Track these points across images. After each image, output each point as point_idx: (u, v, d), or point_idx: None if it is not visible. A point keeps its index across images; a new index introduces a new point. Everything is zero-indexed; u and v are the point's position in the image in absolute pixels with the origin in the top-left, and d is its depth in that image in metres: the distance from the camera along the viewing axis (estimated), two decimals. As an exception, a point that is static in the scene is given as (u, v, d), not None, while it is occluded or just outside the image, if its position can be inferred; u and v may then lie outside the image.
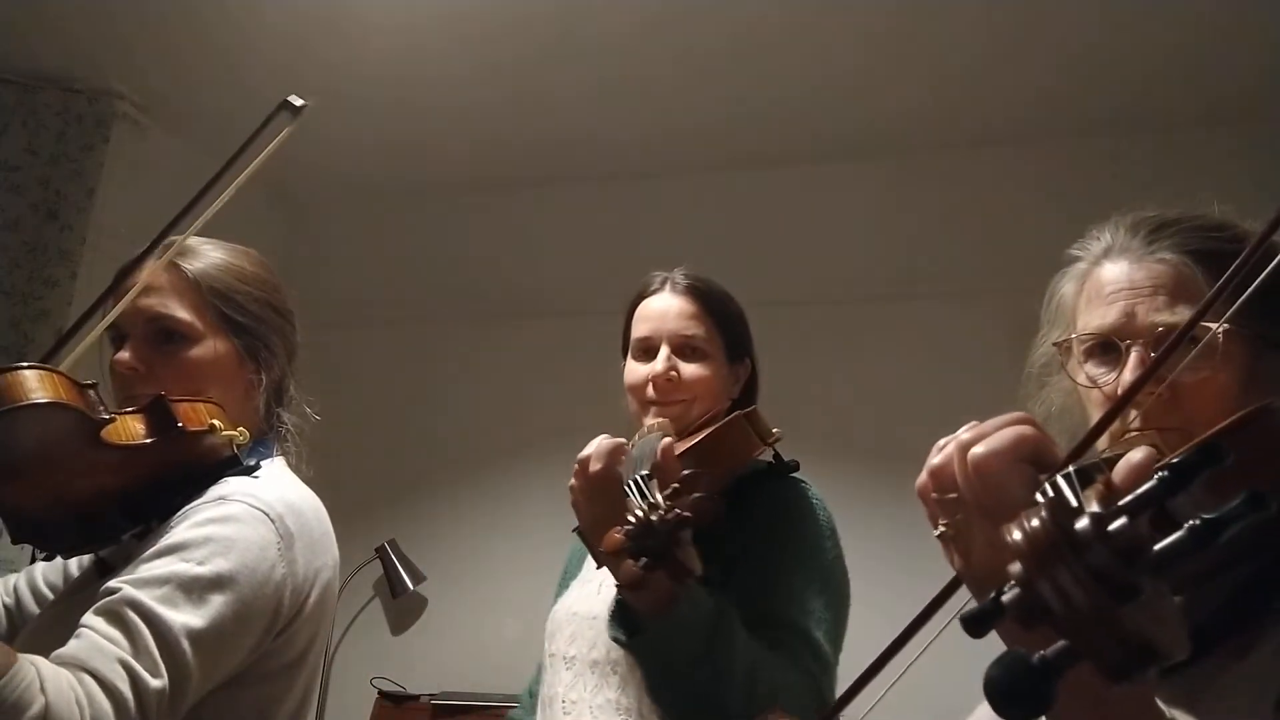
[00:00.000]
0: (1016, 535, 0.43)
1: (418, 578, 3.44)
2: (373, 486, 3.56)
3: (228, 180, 1.15)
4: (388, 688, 3.29)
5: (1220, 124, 3.02)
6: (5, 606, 1.28)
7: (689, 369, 1.40)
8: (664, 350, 1.40)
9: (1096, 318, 0.82)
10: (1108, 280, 0.83)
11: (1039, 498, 0.45)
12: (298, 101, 1.11)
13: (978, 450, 0.56)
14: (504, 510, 3.51)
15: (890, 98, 3.07)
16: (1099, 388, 0.81)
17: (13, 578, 1.30)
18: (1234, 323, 0.72)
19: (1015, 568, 0.42)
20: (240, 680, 1.05)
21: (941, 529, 0.59)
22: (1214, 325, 0.71)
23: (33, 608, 1.28)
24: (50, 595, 1.29)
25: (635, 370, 1.44)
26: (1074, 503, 0.44)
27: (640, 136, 3.39)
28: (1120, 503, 0.41)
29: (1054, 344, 0.88)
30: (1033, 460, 0.56)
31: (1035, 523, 0.43)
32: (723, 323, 1.45)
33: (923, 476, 0.61)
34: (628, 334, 1.50)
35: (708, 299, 1.45)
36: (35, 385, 0.97)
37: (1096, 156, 3.14)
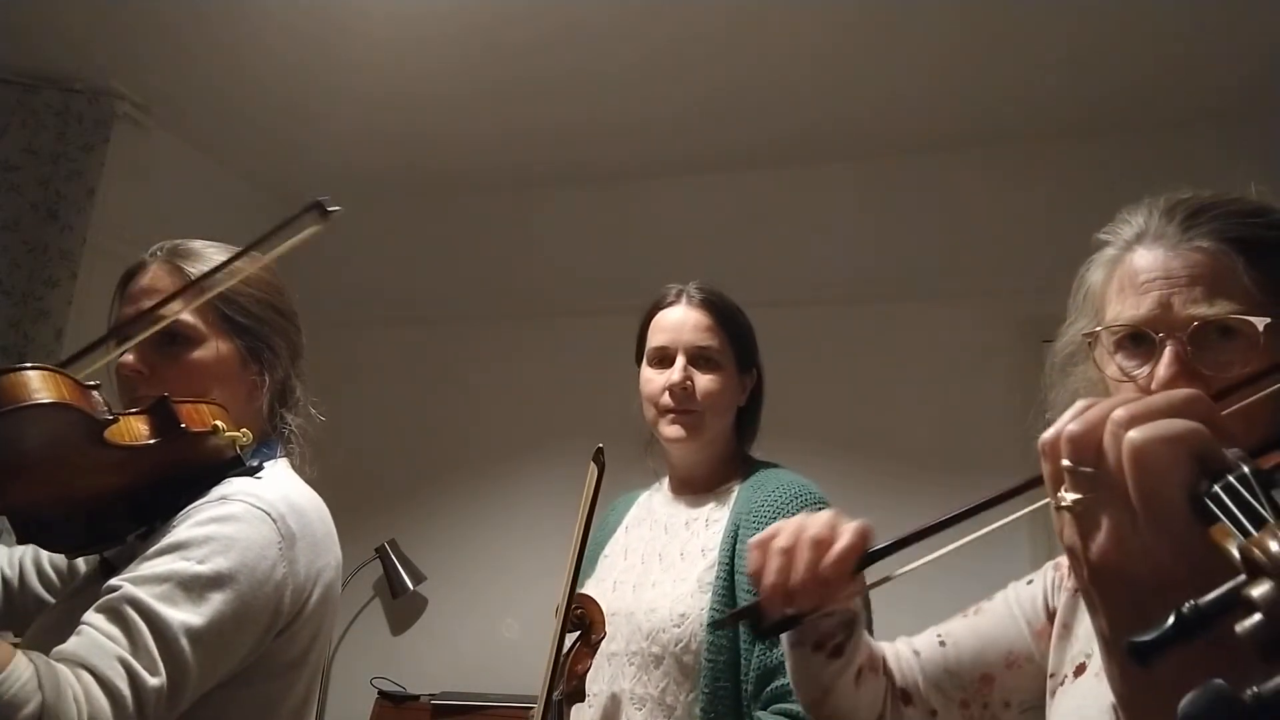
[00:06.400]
0: (1274, 547, 0.37)
1: (418, 578, 3.44)
2: (373, 486, 3.56)
3: (237, 267, 1.16)
4: (388, 688, 3.30)
5: (1218, 123, 3.02)
6: (4, 578, 1.27)
7: (703, 379, 1.47)
8: (680, 360, 1.48)
9: (1129, 308, 0.78)
10: (1141, 268, 0.78)
11: (1222, 504, 0.41)
12: (331, 207, 1.03)
13: (1141, 436, 0.46)
14: (504, 510, 3.51)
15: (886, 97, 3.07)
16: (1132, 380, 0.77)
17: (17, 550, 1.29)
18: (1275, 315, 0.70)
19: (1265, 589, 0.36)
20: (242, 679, 1.05)
21: (1067, 503, 0.49)
22: (1255, 319, 0.69)
23: (35, 584, 1.28)
24: (56, 579, 1.29)
25: (652, 378, 1.50)
26: None
27: (641, 134, 3.39)
28: None
29: (1083, 335, 0.84)
30: (1201, 457, 0.46)
31: None
32: (734, 334, 1.52)
33: (1052, 434, 0.52)
34: (643, 342, 1.56)
35: (722, 312, 1.52)
36: (39, 385, 0.97)
37: (1094, 157, 3.14)
